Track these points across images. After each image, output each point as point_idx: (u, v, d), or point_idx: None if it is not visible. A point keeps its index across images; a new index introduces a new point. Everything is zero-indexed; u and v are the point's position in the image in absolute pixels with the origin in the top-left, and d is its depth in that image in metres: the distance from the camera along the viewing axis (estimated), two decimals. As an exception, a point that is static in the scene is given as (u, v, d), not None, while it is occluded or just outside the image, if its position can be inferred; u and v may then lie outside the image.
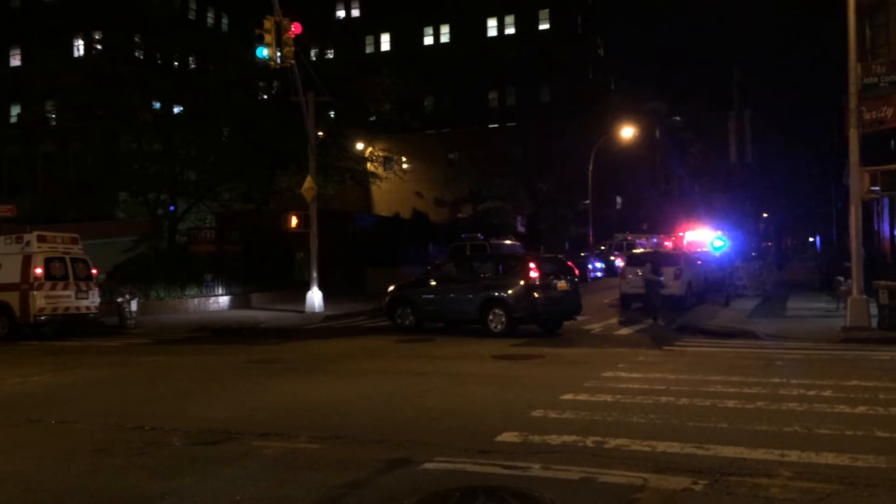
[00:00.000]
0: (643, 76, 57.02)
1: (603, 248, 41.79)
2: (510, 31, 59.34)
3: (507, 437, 6.63)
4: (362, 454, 6.16)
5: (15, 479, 5.71)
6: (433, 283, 17.43)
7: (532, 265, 16.01)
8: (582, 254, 37.04)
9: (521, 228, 44.98)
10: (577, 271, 19.51)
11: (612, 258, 37.49)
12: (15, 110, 49.66)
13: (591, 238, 44.11)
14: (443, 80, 54.31)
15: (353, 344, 14.97)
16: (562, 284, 16.29)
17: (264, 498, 5.12)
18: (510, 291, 15.80)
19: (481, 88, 58.15)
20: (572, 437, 6.53)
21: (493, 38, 59.46)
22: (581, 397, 8.50)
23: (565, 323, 16.76)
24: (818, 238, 62.04)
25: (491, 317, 15.79)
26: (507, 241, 29.39)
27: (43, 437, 7.21)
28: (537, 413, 7.62)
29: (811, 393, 8.49)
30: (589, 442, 6.39)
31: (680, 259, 22.47)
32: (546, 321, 16.20)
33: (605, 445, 6.29)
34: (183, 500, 5.11)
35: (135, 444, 6.70)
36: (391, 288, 18.45)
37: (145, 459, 6.19)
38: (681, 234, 33.62)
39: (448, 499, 5.04)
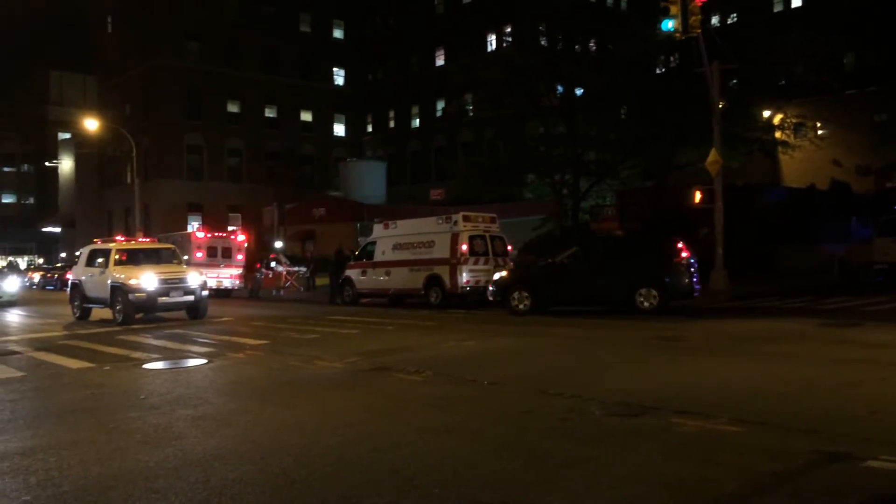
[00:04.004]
0: None
1: None
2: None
3: (975, 442, 5.61)
4: (790, 443, 5.73)
5: (458, 430, 6.46)
6: (559, 265, 17.88)
7: (681, 245, 16.86)
8: None
9: (978, 199, 37.61)
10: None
11: None
12: (440, 105, 56.29)
13: None
14: (868, 30, 47.67)
15: (765, 325, 14.05)
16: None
17: (687, 476, 5.04)
18: (664, 270, 16.67)
19: (918, 36, 49.73)
20: None
21: (934, -29, 50.39)
22: None
23: None
24: None
25: (641, 296, 16.60)
26: (957, 214, 24.90)
27: (478, 396, 8.04)
28: None
29: None
30: None
31: None
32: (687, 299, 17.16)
33: None
34: (606, 467, 5.27)
35: (557, 409, 7.12)
36: (504, 273, 18.98)
37: (567, 425, 6.54)
38: None
39: (901, 504, 4.45)
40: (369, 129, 63.95)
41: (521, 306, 17.95)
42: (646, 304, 16.63)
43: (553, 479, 5.03)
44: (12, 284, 28.04)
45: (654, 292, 16.58)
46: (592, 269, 17.52)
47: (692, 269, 16.82)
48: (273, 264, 32.17)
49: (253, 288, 30.51)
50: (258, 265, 31.27)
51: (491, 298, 18.84)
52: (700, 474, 5.06)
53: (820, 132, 37.05)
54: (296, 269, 32.56)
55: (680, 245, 16.95)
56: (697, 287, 17.20)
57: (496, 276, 19.05)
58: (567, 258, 18.12)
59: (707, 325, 14.37)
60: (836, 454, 5.40)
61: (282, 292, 30.45)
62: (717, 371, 9.09)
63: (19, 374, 10.51)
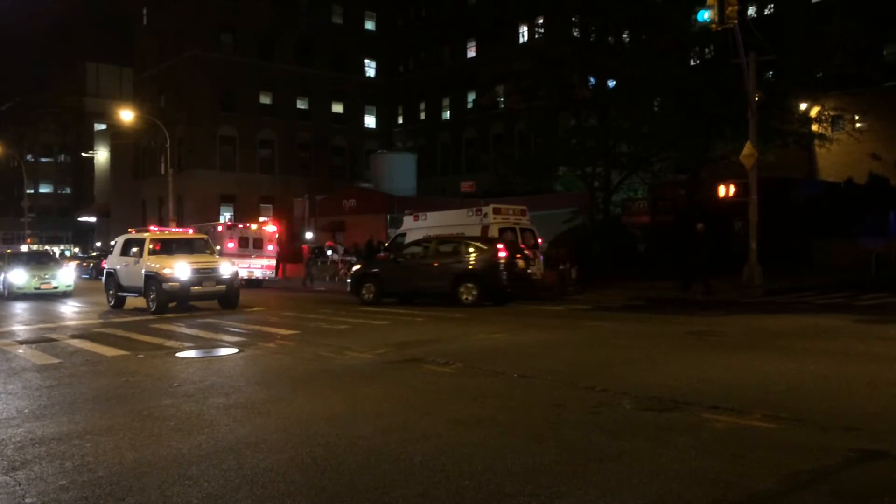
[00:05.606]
0: None
1: None
2: None
3: None
4: (827, 441, 5.62)
5: (488, 422, 6.44)
6: (400, 261, 19.86)
7: (500, 246, 18.64)
8: None
9: None
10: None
11: None
12: (471, 97, 56.15)
13: None
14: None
15: (801, 321, 13.83)
16: (521, 263, 18.82)
17: (722, 471, 4.97)
18: (481, 268, 18.35)
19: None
20: None
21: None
22: None
23: None
24: None
25: (463, 290, 18.42)
26: None
27: (508, 388, 8.01)
28: None
29: None
30: None
31: None
32: (504, 295, 18.82)
33: None
34: (639, 462, 5.22)
35: (588, 403, 7.07)
36: (357, 266, 21.50)
37: (599, 419, 6.48)
38: None
39: (944, 505, 4.34)
40: (400, 120, 64.01)
41: (368, 296, 19.93)
42: (466, 297, 18.41)
43: (584, 473, 4.99)
44: (68, 276, 28.16)
45: (475, 288, 18.34)
46: (426, 265, 19.28)
47: (510, 269, 18.40)
48: (329, 252, 32.48)
49: (306, 277, 30.26)
50: (308, 256, 31.36)
51: (349, 290, 20.97)
52: (734, 470, 4.99)
53: (858, 125, 36.36)
54: (349, 258, 33.00)
55: (499, 247, 18.65)
56: (515, 286, 18.87)
57: (353, 269, 21.53)
58: (409, 254, 20.09)
59: (741, 321, 14.17)
60: (877, 452, 5.29)
61: (336, 279, 30.84)
62: (751, 367, 8.95)
63: (56, 360, 10.71)
